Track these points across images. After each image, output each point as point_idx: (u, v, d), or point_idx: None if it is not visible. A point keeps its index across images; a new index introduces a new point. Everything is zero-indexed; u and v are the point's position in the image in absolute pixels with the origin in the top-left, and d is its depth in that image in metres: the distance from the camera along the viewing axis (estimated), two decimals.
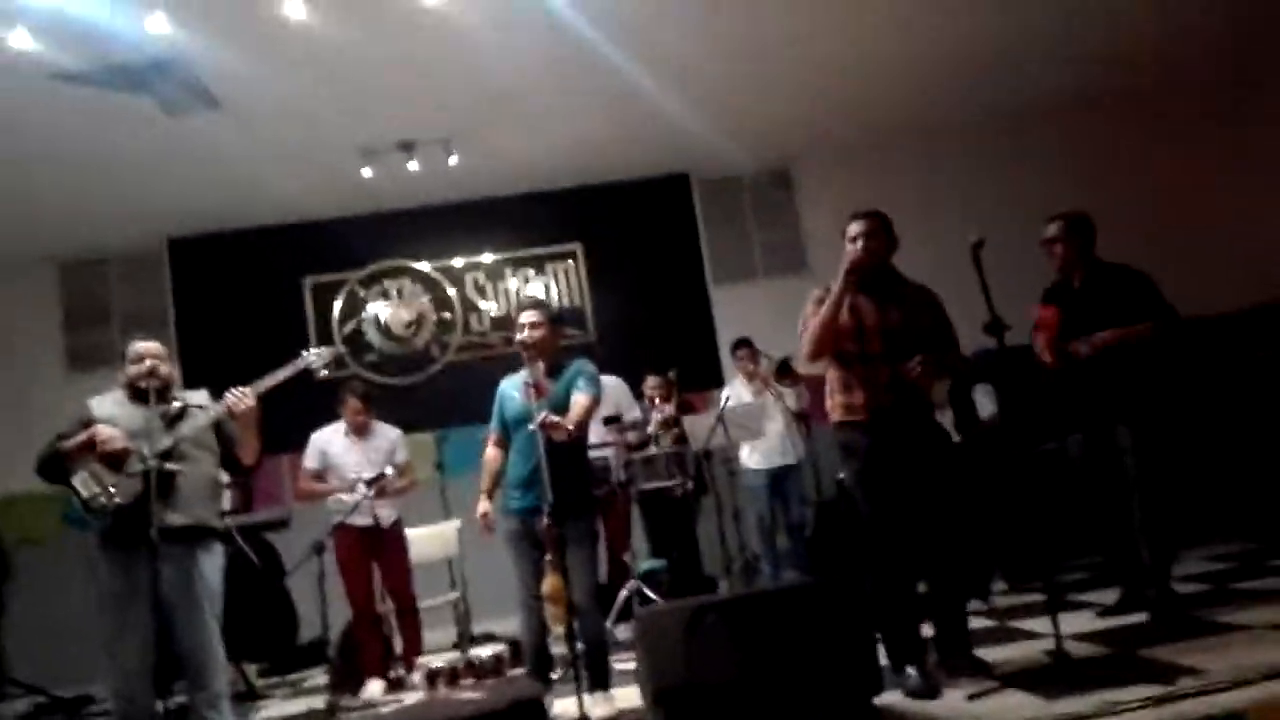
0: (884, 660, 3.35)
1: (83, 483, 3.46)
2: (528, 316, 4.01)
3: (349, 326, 7.66)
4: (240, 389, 3.69)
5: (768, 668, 2.87)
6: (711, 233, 8.00)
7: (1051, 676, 3.08)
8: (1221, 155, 7.76)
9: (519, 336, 3.97)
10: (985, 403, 5.94)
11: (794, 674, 2.88)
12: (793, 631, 2.95)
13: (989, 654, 3.62)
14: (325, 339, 7.49)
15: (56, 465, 3.53)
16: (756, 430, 5.77)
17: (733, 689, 2.84)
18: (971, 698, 3.07)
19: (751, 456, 6.26)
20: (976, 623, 4.46)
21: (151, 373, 3.62)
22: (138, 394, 3.65)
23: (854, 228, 3.68)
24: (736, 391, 6.26)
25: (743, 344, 6.38)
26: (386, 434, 5.39)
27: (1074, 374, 4.12)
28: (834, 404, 3.73)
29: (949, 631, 3.62)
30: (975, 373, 6.15)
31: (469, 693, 2.70)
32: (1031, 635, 3.93)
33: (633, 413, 6.13)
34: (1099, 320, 4.03)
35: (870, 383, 3.61)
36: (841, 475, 4.65)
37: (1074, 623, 3.89)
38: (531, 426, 3.63)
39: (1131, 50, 6.95)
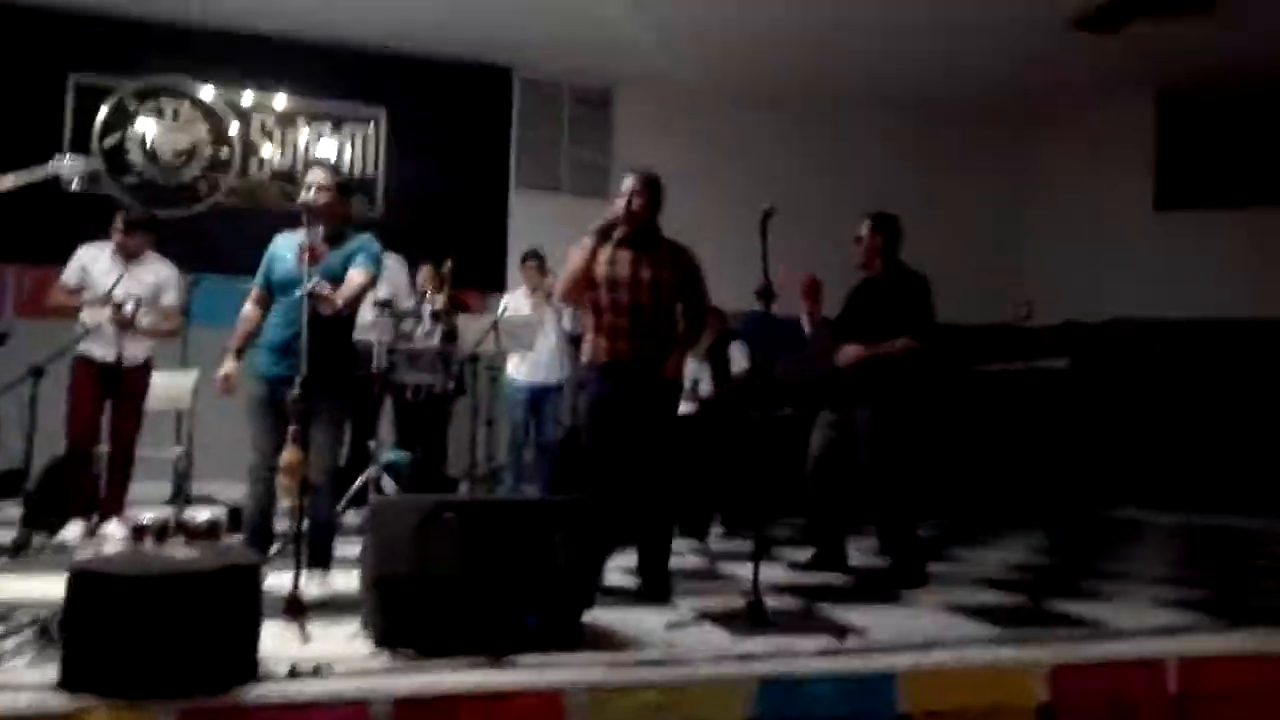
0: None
1: None
2: (315, 176, 3.82)
3: (111, 140, 6.95)
4: None
5: (492, 573, 2.96)
6: (524, 135, 7.89)
7: (744, 618, 3.36)
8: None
9: (303, 196, 3.78)
10: (738, 358, 6.32)
11: (515, 582, 2.99)
12: (522, 542, 3.04)
13: (696, 594, 3.92)
14: (82, 147, 6.75)
15: None
16: (528, 343, 5.82)
17: (453, 585, 2.90)
18: (669, 627, 3.31)
19: (518, 368, 6.31)
20: (690, 561, 4.81)
21: None
22: None
23: (627, 183, 3.99)
24: (516, 301, 6.28)
25: (532, 255, 6.39)
26: (159, 268, 4.97)
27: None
28: (585, 343, 4.09)
29: (651, 563, 3.97)
30: (733, 331, 6.53)
31: (182, 549, 2.61)
32: (734, 579, 4.27)
33: (407, 302, 6.00)
34: (871, 318, 4.45)
35: (615, 331, 3.94)
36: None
37: (773, 573, 4.25)
38: (299, 292, 3.49)
39: (951, 65, 7.43)
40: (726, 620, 3.38)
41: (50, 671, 2.42)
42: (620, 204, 3.95)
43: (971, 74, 7.56)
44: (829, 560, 4.53)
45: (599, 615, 3.27)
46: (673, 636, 3.19)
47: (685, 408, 5.86)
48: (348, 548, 4.16)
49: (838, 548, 4.56)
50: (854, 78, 7.70)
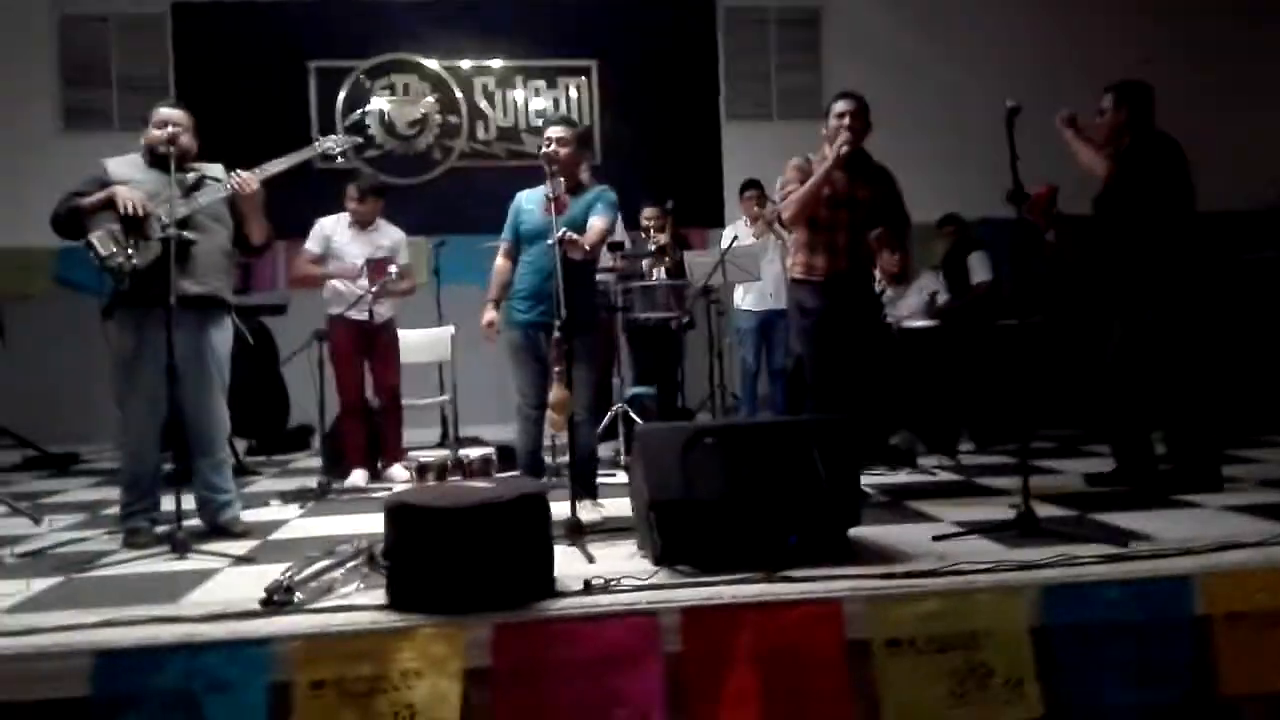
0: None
1: (100, 241, 3.48)
2: (555, 131, 4.00)
3: (352, 118, 7.50)
4: (246, 172, 3.68)
5: (755, 493, 3.03)
6: (731, 66, 7.83)
7: (1013, 529, 3.28)
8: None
9: (544, 150, 3.94)
10: (979, 269, 6.06)
11: (778, 501, 3.06)
12: (780, 462, 3.10)
13: (956, 507, 3.85)
14: (327, 127, 7.34)
15: (74, 222, 3.54)
16: (754, 272, 5.84)
17: (722, 508, 3.00)
18: (936, 538, 3.28)
19: (745, 298, 6.35)
20: (943, 477, 4.73)
21: (173, 140, 3.58)
22: (157, 160, 3.63)
23: (843, 105, 4.06)
24: (739, 232, 6.29)
25: (751, 185, 6.38)
26: (390, 233, 5.34)
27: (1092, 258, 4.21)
28: (795, 263, 4.21)
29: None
30: (974, 240, 6.26)
31: (479, 482, 2.86)
32: (997, 493, 4.16)
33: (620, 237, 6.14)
34: (1123, 194, 4.06)
35: (831, 247, 4.09)
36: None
37: (1038, 485, 4.10)
38: (550, 241, 3.67)
39: None
40: (995, 531, 3.31)
41: (378, 595, 2.72)
42: (837, 126, 4.01)
43: None
44: (1133, 473, 4.15)
45: (863, 532, 3.30)
46: (942, 548, 3.17)
47: (923, 322, 5.74)
48: (604, 477, 4.41)
49: (1144, 459, 4.17)
50: None
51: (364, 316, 5.09)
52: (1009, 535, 3.25)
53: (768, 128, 7.66)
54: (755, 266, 5.85)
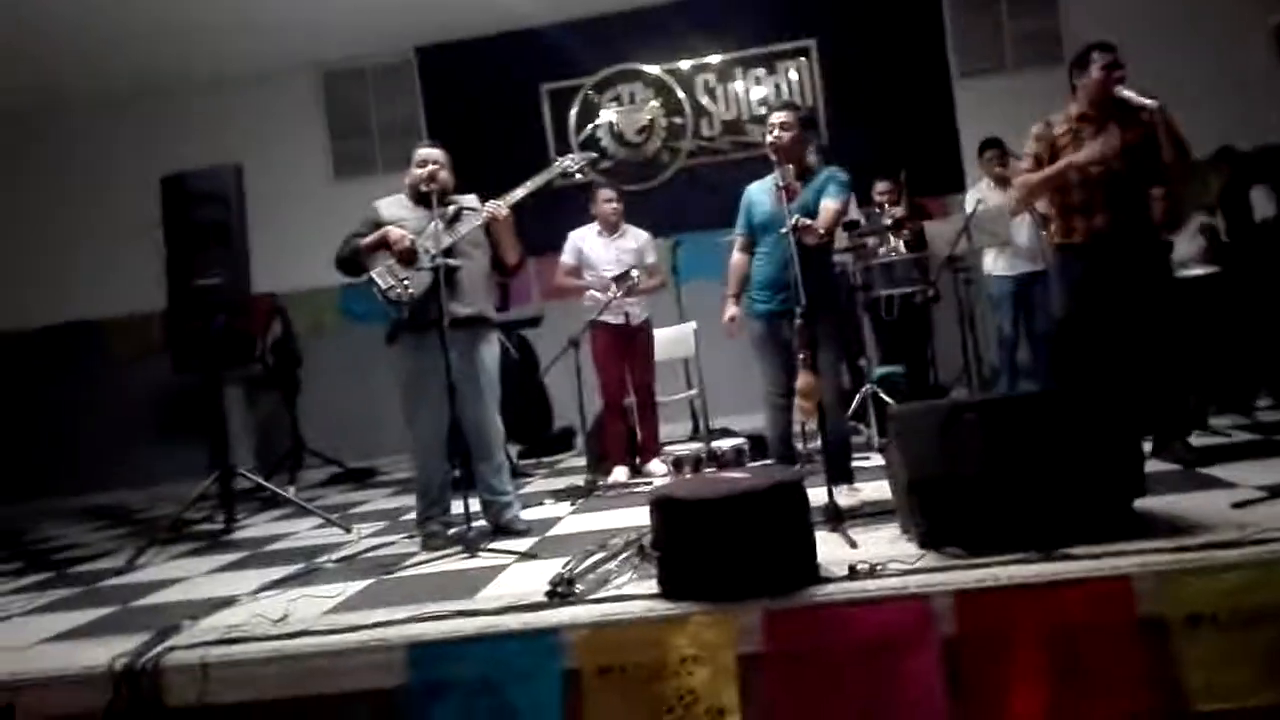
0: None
1: (380, 276, 3.87)
2: (778, 118, 3.98)
3: (584, 134, 7.83)
4: (496, 201, 3.95)
5: (1023, 467, 2.90)
6: (958, 20, 7.46)
7: None
8: None
9: (769, 138, 3.96)
10: (1262, 204, 5.45)
11: (1049, 475, 2.91)
12: (1049, 435, 2.94)
13: (1252, 467, 3.52)
14: (562, 145, 7.70)
15: (355, 262, 3.95)
16: (1004, 235, 5.56)
17: (987, 484, 2.90)
18: (1236, 505, 3.01)
19: (997, 263, 6.04)
20: (1237, 436, 4.31)
21: (433, 177, 3.92)
22: (420, 197, 3.98)
23: (1102, 56, 3.78)
24: (983, 194, 6.00)
25: (991, 144, 6.06)
26: (636, 235, 5.53)
27: None
28: (1054, 228, 3.98)
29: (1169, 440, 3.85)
30: (1254, 172, 5.64)
31: (734, 472, 2.93)
32: None
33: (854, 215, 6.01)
34: None
35: (1089, 206, 3.79)
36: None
37: None
38: (784, 230, 3.67)
39: None
40: None
41: (649, 584, 2.85)
42: (1095, 78, 3.77)
43: None
44: None
45: (1151, 503, 3.07)
46: (1242, 516, 2.90)
47: (1202, 269, 5.25)
48: (857, 461, 4.35)
49: None
50: None
51: (621, 320, 5.34)
52: None
53: (1002, 80, 7.25)
54: (1004, 229, 5.56)
